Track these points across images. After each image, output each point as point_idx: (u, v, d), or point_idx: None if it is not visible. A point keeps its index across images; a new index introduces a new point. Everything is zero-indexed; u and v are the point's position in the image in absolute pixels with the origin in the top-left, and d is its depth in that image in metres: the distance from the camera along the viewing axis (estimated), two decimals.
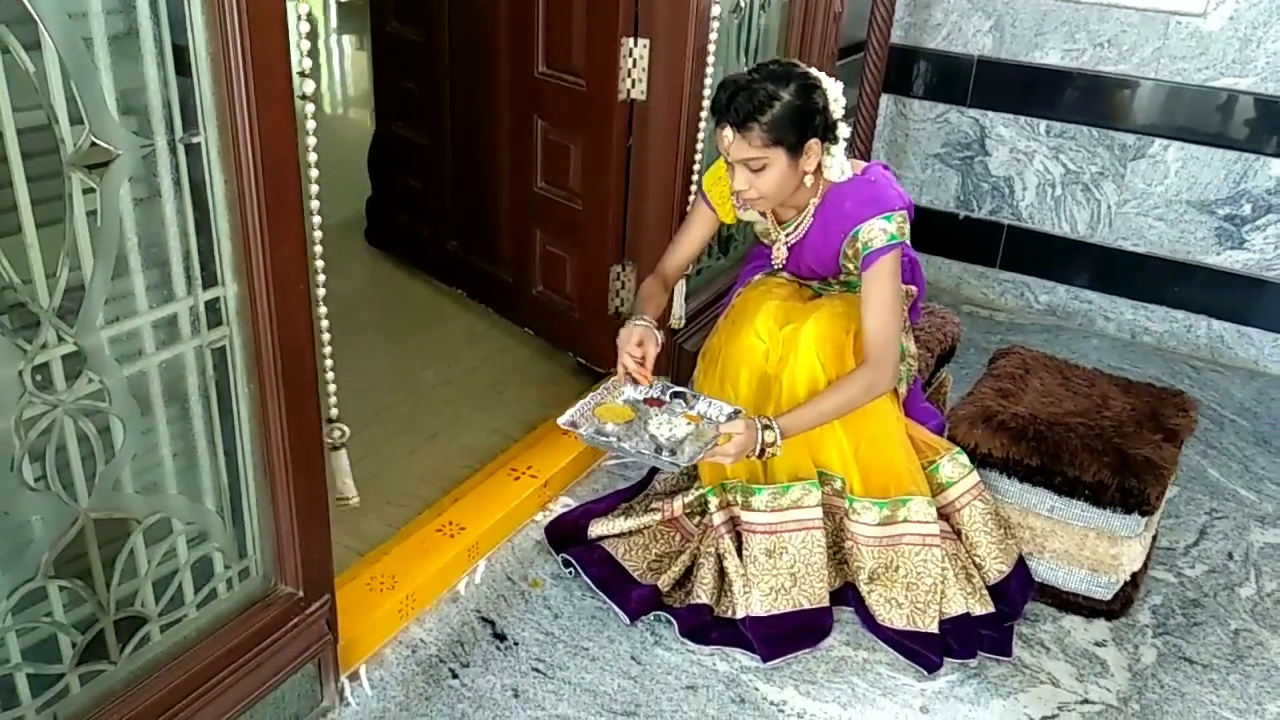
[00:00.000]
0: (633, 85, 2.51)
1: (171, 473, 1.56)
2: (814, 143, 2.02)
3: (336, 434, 1.81)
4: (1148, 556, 2.30)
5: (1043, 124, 3.43)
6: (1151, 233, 3.37)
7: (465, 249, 3.27)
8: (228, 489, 1.65)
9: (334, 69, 6.46)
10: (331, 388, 1.79)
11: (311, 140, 1.59)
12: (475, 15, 2.90)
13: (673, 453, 1.98)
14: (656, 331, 2.11)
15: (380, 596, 2.06)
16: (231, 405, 1.60)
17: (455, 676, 1.98)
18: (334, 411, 1.81)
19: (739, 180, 2.04)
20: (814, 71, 2.05)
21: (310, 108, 1.55)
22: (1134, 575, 2.22)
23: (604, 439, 2.02)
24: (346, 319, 3.18)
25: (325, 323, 1.69)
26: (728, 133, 2.00)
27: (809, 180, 2.08)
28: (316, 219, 1.65)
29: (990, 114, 3.51)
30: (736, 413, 2.05)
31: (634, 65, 2.48)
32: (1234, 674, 2.09)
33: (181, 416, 1.56)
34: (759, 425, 2.00)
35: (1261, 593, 2.32)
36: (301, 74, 1.53)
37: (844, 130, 2.07)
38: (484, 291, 3.25)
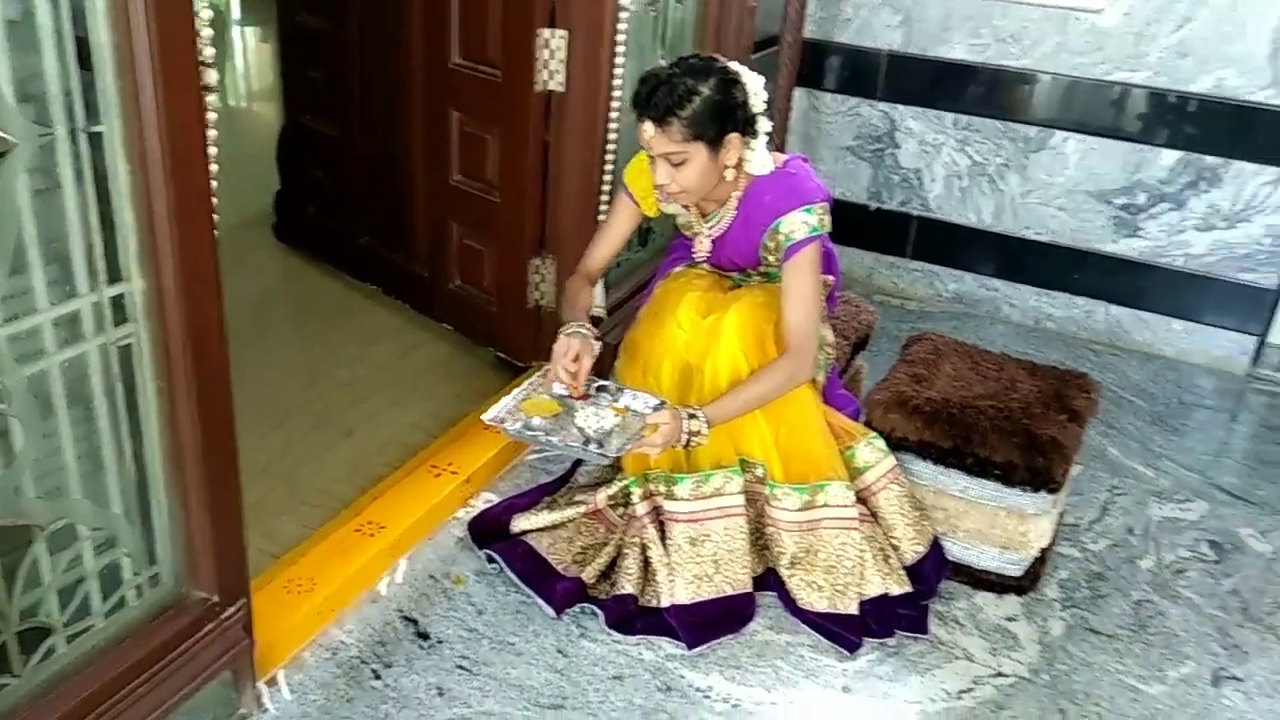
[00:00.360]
0: (550, 76, 2.49)
1: (76, 476, 1.50)
2: (734, 137, 2.04)
3: None
4: (1055, 533, 2.39)
5: (950, 117, 3.52)
6: (1053, 222, 3.49)
7: (379, 243, 3.21)
8: (136, 492, 1.60)
9: (237, 61, 6.28)
10: None
11: (212, 133, 1.53)
12: (386, 5, 2.85)
13: (600, 445, 1.98)
14: (594, 341, 2.10)
15: (298, 599, 2.02)
16: (139, 405, 1.55)
17: (378, 677, 1.95)
18: None
19: (660, 174, 2.05)
20: (734, 66, 2.06)
21: (212, 98, 1.51)
22: (1042, 551, 2.31)
23: (531, 434, 2.01)
24: (256, 316, 3.11)
25: None
26: (647, 127, 2.00)
27: (729, 174, 2.10)
28: (215, 217, 1.59)
29: (900, 107, 3.59)
30: (662, 404, 2.06)
31: (551, 56, 2.47)
32: (1137, 643, 2.19)
33: (86, 418, 1.50)
34: (684, 415, 2.01)
35: (1161, 564, 2.43)
36: (203, 64, 1.48)
37: (765, 124, 2.09)
38: (399, 286, 3.20)
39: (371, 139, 3.09)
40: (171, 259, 1.48)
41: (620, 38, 2.47)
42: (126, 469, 1.57)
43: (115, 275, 1.46)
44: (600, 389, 2.10)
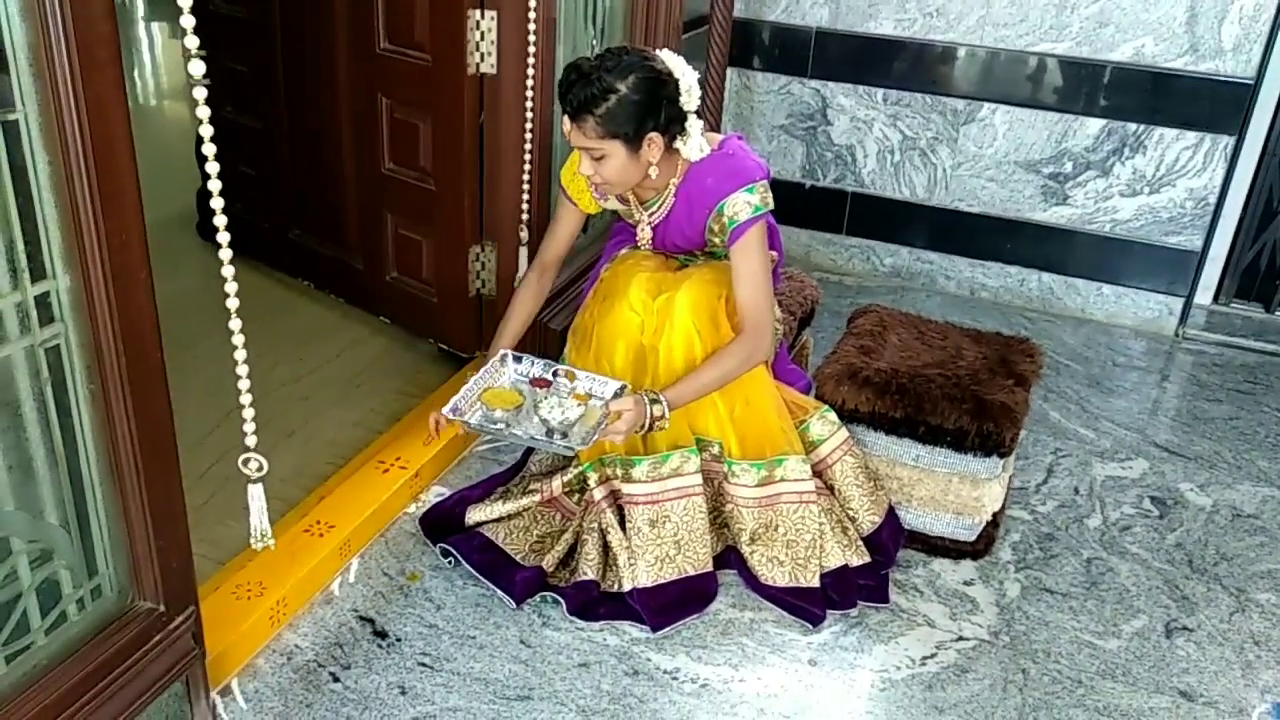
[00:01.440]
0: (482, 59, 2.44)
1: (6, 487, 1.42)
2: (654, 135, 2.01)
3: (254, 466, 1.65)
4: (1005, 497, 2.42)
5: (879, 92, 3.55)
6: (984, 193, 3.54)
7: (310, 237, 3.12)
8: (72, 501, 1.52)
9: (145, 58, 6.08)
10: (249, 412, 1.65)
11: (209, 130, 1.46)
12: None
13: (565, 436, 1.94)
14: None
15: (249, 605, 1.95)
16: (71, 408, 1.47)
17: (337, 680, 1.89)
18: (251, 439, 1.65)
19: (584, 166, 2.04)
20: (668, 62, 2.03)
21: (202, 92, 1.43)
22: (994, 515, 2.33)
23: (494, 426, 1.97)
24: (185, 319, 2.99)
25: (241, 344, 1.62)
26: (565, 120, 2.00)
27: (654, 172, 2.08)
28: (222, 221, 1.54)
29: (830, 84, 3.60)
30: (622, 388, 2.03)
31: (482, 38, 2.41)
32: (1090, 599, 2.23)
33: (14, 425, 1.41)
34: (647, 400, 1.99)
35: (1107, 522, 2.48)
36: (195, 56, 1.40)
37: (695, 123, 2.06)
38: (333, 281, 3.11)
39: (298, 130, 3.00)
40: (98, 253, 1.41)
41: (552, 18, 2.42)
42: (61, 477, 1.49)
43: (39, 273, 1.38)
44: (555, 374, 2.06)
